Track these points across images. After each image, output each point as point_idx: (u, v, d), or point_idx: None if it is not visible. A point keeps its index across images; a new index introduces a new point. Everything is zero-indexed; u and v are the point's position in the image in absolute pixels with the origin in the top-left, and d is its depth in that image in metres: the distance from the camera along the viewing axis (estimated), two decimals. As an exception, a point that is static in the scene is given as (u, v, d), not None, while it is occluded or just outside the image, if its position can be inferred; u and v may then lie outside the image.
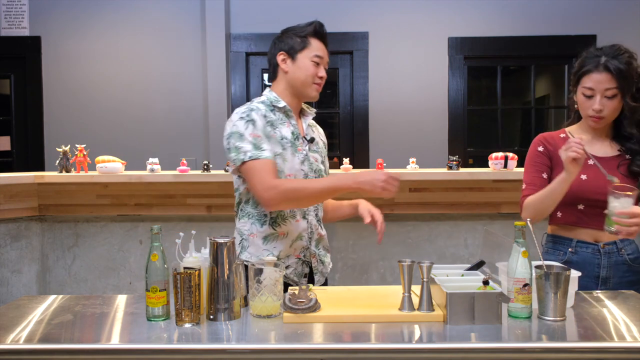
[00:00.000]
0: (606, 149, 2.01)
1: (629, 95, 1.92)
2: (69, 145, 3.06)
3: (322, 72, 2.04)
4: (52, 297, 1.85)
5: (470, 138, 4.73)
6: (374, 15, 4.61)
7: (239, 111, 2.01)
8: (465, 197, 3.03)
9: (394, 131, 4.60)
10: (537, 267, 1.59)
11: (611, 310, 1.66)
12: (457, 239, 3.13)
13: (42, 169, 4.51)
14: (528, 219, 1.67)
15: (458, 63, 4.62)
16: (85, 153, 3.04)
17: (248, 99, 4.60)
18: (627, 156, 1.98)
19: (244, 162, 1.91)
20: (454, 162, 3.06)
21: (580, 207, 1.97)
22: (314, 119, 2.18)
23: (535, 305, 1.58)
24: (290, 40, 2.03)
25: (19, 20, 4.60)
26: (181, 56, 4.58)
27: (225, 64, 4.48)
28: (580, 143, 1.80)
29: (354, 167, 3.17)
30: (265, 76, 4.75)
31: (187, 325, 1.53)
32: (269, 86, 2.12)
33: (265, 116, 2.00)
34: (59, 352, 1.42)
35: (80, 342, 1.47)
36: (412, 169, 3.04)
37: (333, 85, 4.79)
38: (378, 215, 2.08)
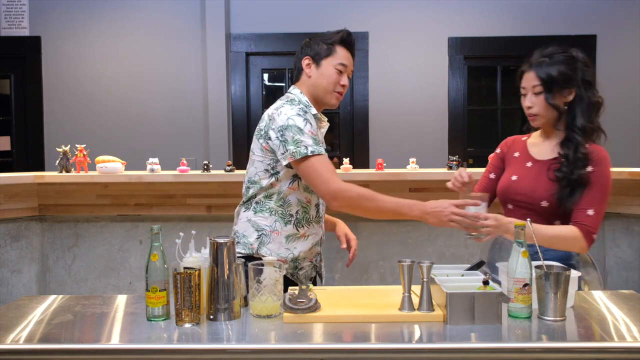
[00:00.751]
0: (546, 152, 2.00)
1: (555, 92, 1.91)
2: (69, 145, 3.06)
3: (345, 81, 2.03)
4: (52, 297, 1.85)
5: (470, 138, 4.74)
6: (374, 15, 4.61)
7: (292, 107, 1.95)
8: (465, 197, 3.02)
9: (394, 131, 4.60)
10: (537, 267, 1.59)
11: (611, 310, 1.66)
12: (457, 239, 3.13)
13: (42, 169, 4.51)
14: (528, 220, 1.68)
15: (458, 63, 4.62)
16: (85, 153, 3.04)
17: (248, 99, 4.60)
18: (563, 160, 1.93)
19: (305, 157, 1.87)
20: (454, 162, 3.06)
21: (510, 206, 2.03)
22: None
23: (535, 305, 1.58)
24: (316, 46, 2.03)
25: (19, 20, 4.60)
26: (181, 56, 4.58)
27: (225, 64, 4.48)
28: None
29: (354, 167, 3.17)
30: (266, 76, 4.75)
31: (187, 325, 1.53)
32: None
33: (313, 116, 2.02)
34: (59, 352, 1.42)
35: (80, 342, 1.47)
36: (412, 169, 3.04)
37: (333, 85, 4.79)
38: (353, 242, 2.15)
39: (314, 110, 2.02)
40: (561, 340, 1.46)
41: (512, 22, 4.59)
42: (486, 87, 4.91)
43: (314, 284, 2.11)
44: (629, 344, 1.42)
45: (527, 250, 1.57)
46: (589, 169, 1.88)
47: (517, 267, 1.56)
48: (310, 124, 1.93)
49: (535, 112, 1.95)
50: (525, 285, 1.55)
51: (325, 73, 2.01)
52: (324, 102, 2.05)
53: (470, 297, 1.51)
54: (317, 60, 2.02)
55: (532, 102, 1.95)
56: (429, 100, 4.61)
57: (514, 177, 2.01)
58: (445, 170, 3.07)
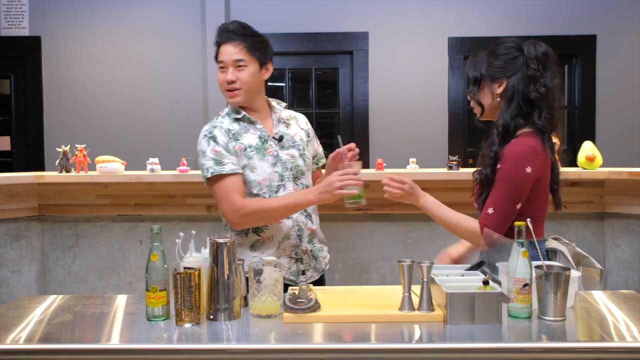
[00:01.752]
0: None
1: (476, 91, 1.92)
2: (69, 145, 3.06)
3: (228, 76, 2.01)
4: (52, 297, 1.85)
5: (470, 138, 4.73)
6: (374, 15, 4.61)
7: (204, 129, 2.05)
8: (465, 197, 3.00)
9: (394, 131, 4.60)
10: (537, 267, 1.58)
11: (611, 310, 1.66)
12: (457, 239, 3.12)
13: (42, 169, 4.50)
14: (528, 220, 1.67)
15: (458, 63, 4.62)
16: (85, 153, 3.04)
17: (248, 99, 4.60)
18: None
19: (208, 180, 1.98)
20: (454, 162, 3.05)
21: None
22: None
23: (535, 305, 1.58)
24: None
25: (19, 20, 4.60)
26: (181, 56, 4.58)
27: (225, 64, 4.47)
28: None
29: (354, 167, 3.16)
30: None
31: (187, 325, 1.53)
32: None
33: (229, 130, 2.02)
34: (59, 352, 1.42)
35: (80, 342, 1.47)
36: (412, 169, 3.04)
37: (333, 85, 4.79)
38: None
39: (226, 122, 2.03)
40: (561, 340, 1.46)
41: (512, 22, 4.58)
42: (486, 87, 4.91)
43: (321, 282, 2.11)
44: (629, 344, 1.42)
45: (527, 250, 1.57)
46: (498, 166, 1.84)
47: (517, 267, 1.56)
48: (216, 141, 1.98)
49: (478, 111, 1.98)
50: (525, 285, 1.55)
51: (217, 79, 2.07)
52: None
53: (470, 297, 1.51)
54: None
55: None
56: (429, 100, 4.61)
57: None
58: (445, 170, 3.07)
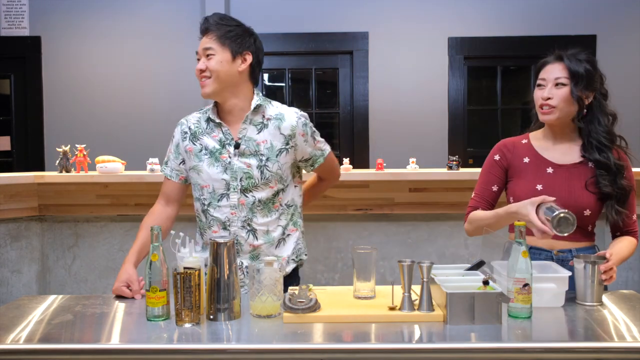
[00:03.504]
0: (564, 155, 1.95)
1: (581, 88, 1.88)
2: (69, 145, 3.06)
3: (199, 65, 1.93)
4: (52, 297, 1.85)
5: (470, 138, 4.73)
6: (374, 15, 4.61)
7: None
8: (465, 197, 3.00)
9: (394, 131, 4.60)
10: (575, 257, 1.73)
11: (611, 310, 1.66)
12: (457, 239, 3.13)
13: (42, 169, 4.50)
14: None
15: (458, 63, 4.62)
16: (85, 153, 3.04)
17: (248, 99, 4.60)
18: (590, 164, 1.92)
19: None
20: (454, 162, 3.05)
21: None
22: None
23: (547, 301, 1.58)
24: None
25: (19, 20, 4.60)
26: (181, 56, 4.58)
27: (225, 64, 4.47)
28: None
29: (354, 167, 3.17)
30: (266, 76, 4.76)
31: (187, 325, 1.53)
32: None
33: (189, 129, 2.01)
34: (59, 352, 1.42)
35: (80, 342, 1.47)
36: (412, 169, 3.04)
37: (333, 85, 4.80)
38: None
39: (194, 119, 2.04)
40: (561, 341, 1.46)
41: (512, 22, 4.58)
42: (486, 87, 4.91)
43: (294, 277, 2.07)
44: (629, 344, 1.42)
45: (527, 250, 1.57)
46: (624, 174, 1.91)
47: (517, 267, 1.56)
48: (172, 140, 2.04)
49: (554, 104, 1.89)
50: (525, 285, 1.55)
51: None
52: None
53: (470, 297, 1.51)
54: None
55: (552, 93, 1.89)
56: (429, 100, 4.61)
57: (539, 187, 1.91)
58: (445, 170, 3.07)
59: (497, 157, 2.02)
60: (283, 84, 4.78)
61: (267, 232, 1.96)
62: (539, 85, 1.94)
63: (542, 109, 1.92)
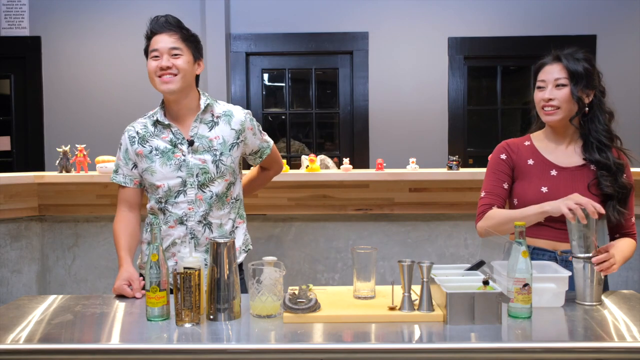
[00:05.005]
0: (566, 157, 1.96)
1: (581, 87, 1.88)
2: (69, 145, 3.06)
3: (164, 62, 1.99)
4: (52, 297, 1.85)
5: (470, 138, 4.73)
6: (374, 15, 4.61)
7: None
8: (465, 197, 3.03)
9: (394, 131, 4.60)
10: (574, 257, 1.71)
11: (611, 310, 1.66)
12: (457, 239, 3.13)
13: (42, 169, 4.50)
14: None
15: (458, 63, 4.62)
16: (85, 153, 3.04)
17: (248, 99, 4.60)
18: (592, 167, 1.92)
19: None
20: (454, 162, 3.05)
21: (543, 220, 1.91)
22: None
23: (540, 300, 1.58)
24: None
25: (19, 20, 4.60)
26: (181, 56, 4.57)
27: (225, 64, 4.48)
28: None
29: (354, 167, 3.17)
30: (266, 76, 4.76)
31: (187, 325, 1.53)
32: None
33: (137, 133, 2.05)
34: (59, 352, 1.42)
35: (80, 342, 1.47)
36: (412, 169, 3.04)
37: (333, 85, 4.80)
38: None
39: (140, 125, 2.07)
40: (561, 341, 1.46)
41: (512, 22, 4.58)
42: (486, 87, 4.91)
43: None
44: (629, 344, 1.42)
45: (527, 250, 1.58)
46: (624, 176, 1.92)
47: (517, 267, 1.56)
48: (120, 147, 2.08)
49: (557, 104, 1.89)
50: (525, 285, 1.55)
51: (148, 69, 2.08)
52: (163, 94, 2.05)
53: (470, 297, 1.51)
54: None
55: (554, 94, 1.90)
56: (429, 100, 4.61)
57: (544, 189, 1.91)
58: (445, 170, 3.07)
59: (503, 156, 2.01)
60: (283, 84, 4.78)
61: (220, 226, 2.03)
62: (539, 87, 1.95)
63: (544, 110, 1.93)
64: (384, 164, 3.07)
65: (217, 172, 1.99)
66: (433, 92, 4.61)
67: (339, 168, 3.12)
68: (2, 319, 1.62)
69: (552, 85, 1.91)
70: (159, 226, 1.61)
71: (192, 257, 1.63)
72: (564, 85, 1.89)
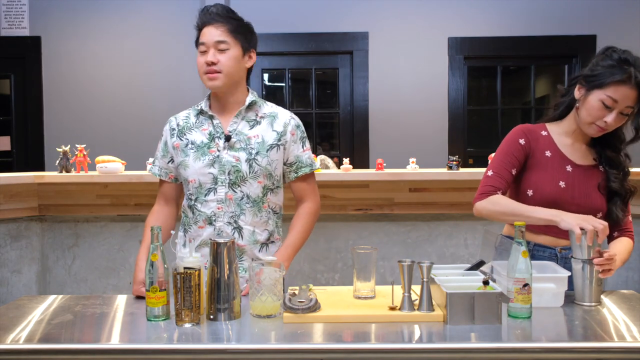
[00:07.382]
0: (583, 156, 1.96)
1: None
2: (69, 145, 3.06)
3: (209, 57, 1.88)
4: (52, 297, 1.85)
5: (470, 138, 4.73)
6: (374, 15, 4.61)
7: None
8: (465, 197, 3.03)
9: (394, 131, 4.60)
10: (572, 257, 1.71)
11: (611, 310, 1.66)
12: (457, 239, 3.13)
13: (42, 169, 4.50)
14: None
15: (458, 63, 4.62)
16: (85, 153, 3.04)
17: (248, 99, 4.60)
18: (601, 167, 1.93)
19: None
20: (454, 162, 3.06)
21: None
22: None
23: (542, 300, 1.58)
24: None
25: (19, 20, 4.60)
26: (181, 56, 4.57)
27: (225, 64, 4.47)
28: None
29: (354, 167, 3.17)
30: (266, 76, 4.76)
31: (187, 325, 1.53)
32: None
33: (177, 125, 2.00)
34: (59, 352, 1.42)
35: (80, 342, 1.47)
36: (412, 169, 3.04)
37: (333, 86, 4.79)
38: None
39: (183, 115, 2.03)
40: (561, 340, 1.46)
41: (512, 22, 4.58)
42: (486, 87, 4.91)
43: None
44: (629, 344, 1.42)
45: (527, 250, 1.58)
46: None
47: (517, 267, 1.56)
48: (161, 139, 2.05)
49: (610, 128, 1.84)
50: (525, 285, 1.55)
51: (197, 63, 1.94)
52: (209, 88, 1.94)
53: (470, 297, 1.51)
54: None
55: (615, 120, 1.81)
56: (429, 100, 4.61)
57: (562, 184, 1.88)
58: (445, 170, 3.07)
59: (522, 142, 1.93)
60: (283, 84, 4.78)
61: (253, 233, 1.94)
62: (607, 104, 1.80)
63: (596, 125, 1.84)
64: (384, 164, 3.07)
65: (249, 172, 1.90)
66: (433, 92, 4.61)
67: (339, 168, 3.12)
68: (2, 319, 1.62)
69: (619, 109, 1.81)
70: (159, 227, 1.61)
71: (192, 257, 1.63)
72: (629, 114, 1.82)
